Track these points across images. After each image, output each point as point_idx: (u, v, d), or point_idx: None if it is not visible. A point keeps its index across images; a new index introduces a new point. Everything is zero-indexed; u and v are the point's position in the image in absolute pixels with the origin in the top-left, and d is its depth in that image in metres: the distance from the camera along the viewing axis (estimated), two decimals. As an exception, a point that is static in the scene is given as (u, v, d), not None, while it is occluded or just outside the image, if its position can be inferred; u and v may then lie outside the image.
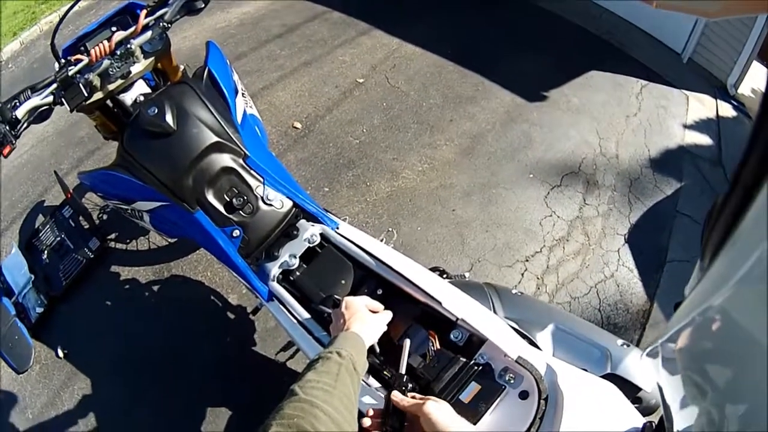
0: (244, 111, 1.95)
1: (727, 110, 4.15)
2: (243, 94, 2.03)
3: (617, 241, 3.18)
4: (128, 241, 3.18)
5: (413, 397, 1.12)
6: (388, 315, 1.36)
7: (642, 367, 1.43)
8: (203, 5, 1.83)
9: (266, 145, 2.02)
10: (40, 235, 3.22)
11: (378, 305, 1.39)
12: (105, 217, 3.30)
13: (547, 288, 2.92)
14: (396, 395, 1.12)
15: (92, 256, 3.07)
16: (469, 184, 3.41)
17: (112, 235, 3.21)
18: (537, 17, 4.86)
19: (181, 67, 2.14)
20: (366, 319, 1.27)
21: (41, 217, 3.38)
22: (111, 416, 2.60)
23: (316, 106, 3.98)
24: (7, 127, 1.57)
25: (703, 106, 4.14)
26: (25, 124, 1.64)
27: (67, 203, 3.27)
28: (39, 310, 2.89)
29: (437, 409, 1.04)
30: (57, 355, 2.80)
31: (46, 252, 3.13)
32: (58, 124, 4.00)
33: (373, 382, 1.34)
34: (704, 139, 3.86)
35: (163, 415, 2.57)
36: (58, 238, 3.17)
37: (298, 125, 3.82)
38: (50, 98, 1.69)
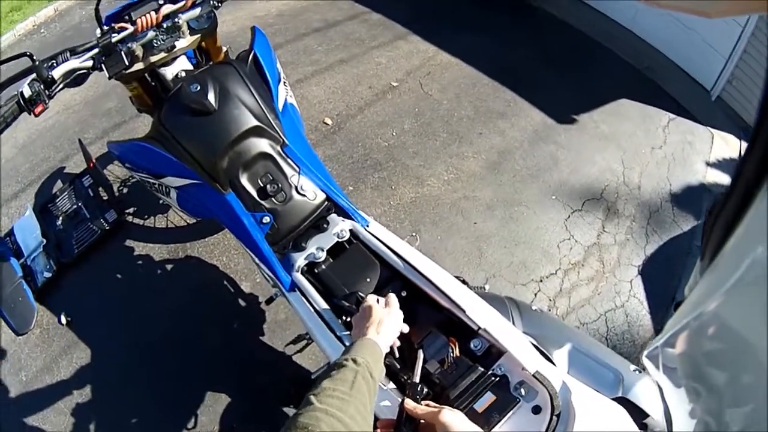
0: (285, 100, 1.94)
1: (750, 152, 4.13)
2: (285, 82, 2.03)
3: (631, 272, 3.16)
4: (146, 217, 3.18)
5: (427, 405, 1.11)
6: (396, 308, 1.34)
7: (651, 395, 1.43)
8: None
9: (303, 135, 2.00)
10: (57, 201, 3.22)
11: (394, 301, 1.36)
12: (125, 190, 3.30)
13: (558, 311, 2.91)
14: (409, 403, 1.11)
15: (108, 227, 3.06)
16: (492, 199, 3.41)
17: (131, 210, 3.20)
18: (576, 43, 4.87)
19: (224, 49, 2.14)
20: (383, 324, 1.25)
21: (60, 183, 3.38)
22: (106, 389, 2.59)
23: (348, 104, 3.98)
24: (42, 86, 1.57)
25: (728, 145, 4.11)
26: (61, 86, 1.63)
27: (88, 172, 3.26)
28: (47, 275, 2.89)
29: (454, 418, 1.03)
30: (59, 322, 2.79)
31: (61, 218, 3.13)
32: (87, 93, 4.01)
33: (389, 384, 1.33)
34: (726, 179, 3.84)
35: (160, 395, 2.56)
36: (75, 206, 3.16)
37: (329, 121, 3.82)
38: (90, 63, 1.68)
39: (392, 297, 1.36)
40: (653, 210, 3.51)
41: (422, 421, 1.09)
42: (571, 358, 1.54)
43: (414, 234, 3.12)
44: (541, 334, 1.58)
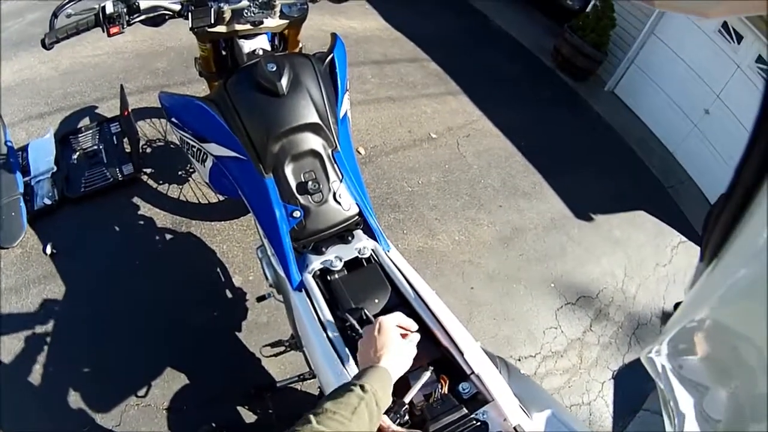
0: (346, 111, 1.96)
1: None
2: (348, 95, 2.06)
3: (605, 374, 3.18)
4: (161, 182, 3.16)
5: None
6: (416, 337, 1.32)
7: None
8: None
9: (353, 149, 2.02)
10: (80, 135, 3.22)
11: (411, 323, 1.34)
12: (149, 150, 3.29)
13: (527, 392, 2.89)
14: (385, 420, 1.10)
15: (121, 179, 3.05)
16: (494, 270, 3.44)
17: (149, 170, 3.19)
18: (614, 146, 5.03)
19: (301, 44, 2.18)
20: (398, 351, 1.21)
21: (87, 120, 3.37)
22: (69, 331, 2.54)
23: (384, 141, 4.02)
24: (125, 10, 1.58)
25: (731, 280, 4.18)
26: (142, 17, 1.65)
27: (119, 120, 3.27)
28: (46, 201, 2.87)
29: None
30: (44, 250, 2.75)
31: (78, 153, 3.13)
32: (141, 46, 4.03)
33: None
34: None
35: (119, 354, 2.50)
36: (95, 147, 3.16)
37: (362, 151, 3.85)
38: (177, 7, 1.71)
39: (415, 335, 1.32)
40: (642, 322, 3.56)
41: None
42: (548, 423, 1.56)
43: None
44: (525, 396, 1.61)
